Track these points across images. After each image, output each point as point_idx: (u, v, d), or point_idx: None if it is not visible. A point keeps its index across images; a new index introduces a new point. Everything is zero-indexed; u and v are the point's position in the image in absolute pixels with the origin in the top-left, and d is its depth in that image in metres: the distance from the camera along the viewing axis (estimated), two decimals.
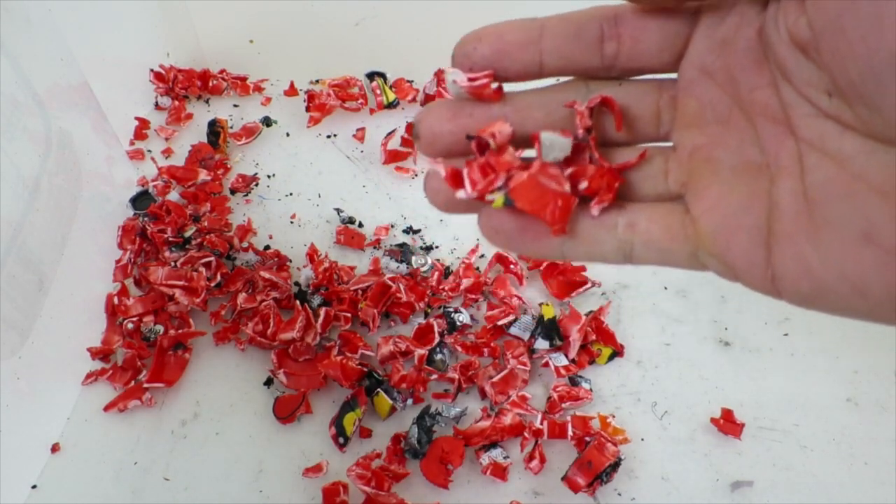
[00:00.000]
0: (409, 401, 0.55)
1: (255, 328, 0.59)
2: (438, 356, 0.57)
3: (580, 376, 0.57)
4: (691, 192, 0.25)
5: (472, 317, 0.60)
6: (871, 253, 0.20)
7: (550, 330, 0.57)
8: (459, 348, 0.58)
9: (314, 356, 0.57)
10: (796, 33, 0.21)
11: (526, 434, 0.53)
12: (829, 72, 0.20)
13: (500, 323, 0.58)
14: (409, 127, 0.74)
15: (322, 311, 0.59)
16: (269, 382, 0.57)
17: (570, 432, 0.52)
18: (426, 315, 0.61)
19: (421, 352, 0.56)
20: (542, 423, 0.53)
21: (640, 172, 0.26)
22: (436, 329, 0.58)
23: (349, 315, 0.60)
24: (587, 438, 0.52)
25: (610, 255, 0.26)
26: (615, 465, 0.50)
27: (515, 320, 0.58)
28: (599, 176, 0.25)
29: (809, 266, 0.21)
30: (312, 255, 0.64)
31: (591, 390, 0.56)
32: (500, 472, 0.51)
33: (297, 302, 0.59)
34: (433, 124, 0.26)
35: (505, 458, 0.52)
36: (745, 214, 0.23)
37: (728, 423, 0.54)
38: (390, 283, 0.60)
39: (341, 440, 0.53)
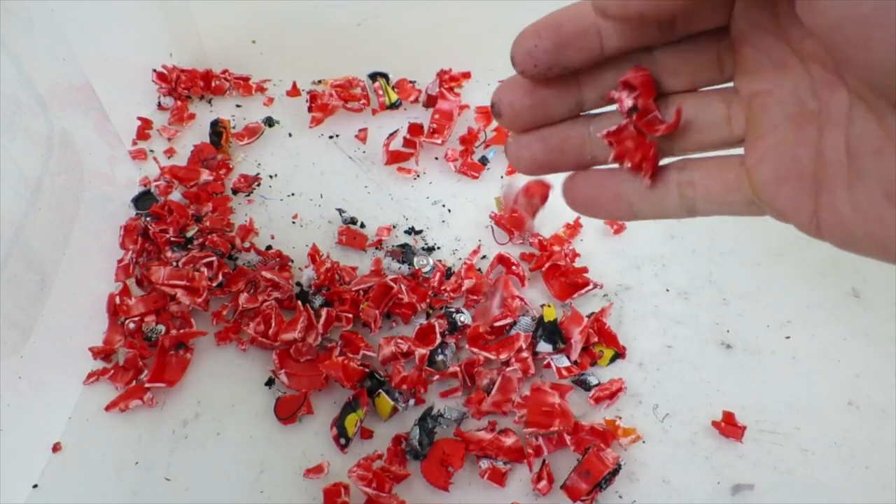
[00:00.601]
0: (412, 402, 0.55)
1: (256, 328, 0.59)
2: (440, 357, 0.57)
3: (585, 376, 0.56)
4: (748, 140, 0.26)
5: (473, 318, 0.60)
6: (892, 212, 0.21)
7: (553, 333, 0.57)
8: (465, 345, 0.57)
9: (315, 356, 0.57)
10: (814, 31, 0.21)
11: (528, 450, 0.52)
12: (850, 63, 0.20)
13: (498, 324, 0.58)
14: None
15: (324, 312, 0.59)
16: (270, 383, 0.57)
17: (568, 442, 0.52)
18: (428, 316, 0.61)
19: (422, 352, 0.56)
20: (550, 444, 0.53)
21: (704, 120, 0.27)
22: (437, 329, 0.58)
23: (350, 316, 0.59)
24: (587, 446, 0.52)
25: (674, 211, 0.28)
26: (615, 472, 0.50)
27: (515, 323, 0.58)
28: (635, 149, 0.28)
29: (843, 218, 0.23)
30: (314, 255, 0.64)
31: (622, 379, 0.56)
32: (498, 477, 0.51)
33: (299, 302, 0.59)
34: (513, 101, 0.28)
35: (504, 464, 0.52)
36: (792, 165, 0.24)
37: (729, 426, 0.54)
38: (392, 283, 0.60)
39: (343, 441, 0.53)
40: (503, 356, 0.57)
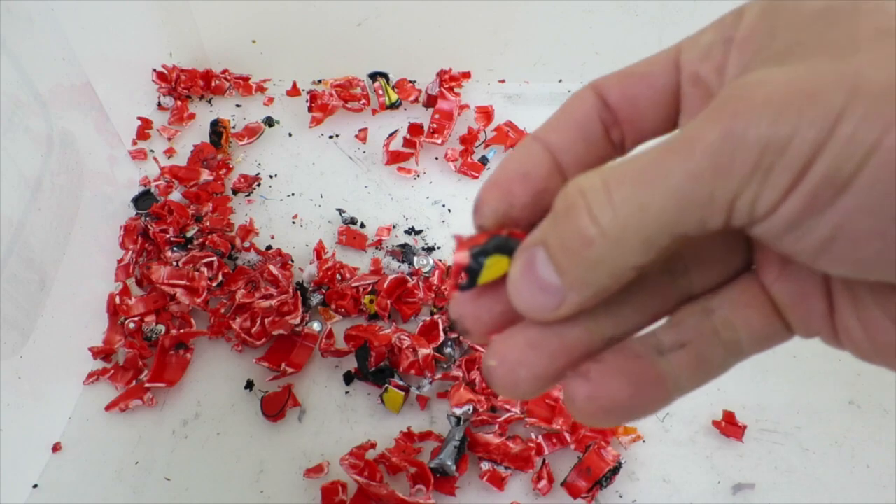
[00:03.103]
0: (428, 383, 0.56)
1: (242, 324, 0.59)
2: (447, 349, 0.57)
3: None
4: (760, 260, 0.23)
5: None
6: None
7: None
8: (467, 342, 0.58)
9: (291, 332, 0.58)
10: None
11: (529, 444, 0.52)
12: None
13: None
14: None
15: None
16: (249, 386, 0.57)
17: (569, 440, 0.52)
18: (432, 314, 0.61)
19: (425, 352, 0.56)
20: (552, 441, 0.53)
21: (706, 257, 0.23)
22: (440, 326, 0.58)
23: (345, 312, 0.60)
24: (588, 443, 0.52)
25: (720, 368, 0.23)
26: (615, 470, 0.50)
27: None
28: None
29: (855, 338, 0.21)
30: (320, 251, 0.65)
31: None
32: (497, 481, 0.51)
33: (299, 294, 0.60)
34: (477, 313, 0.23)
35: (506, 469, 0.52)
36: (807, 281, 0.22)
37: (730, 426, 0.54)
38: (409, 278, 0.61)
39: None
40: None
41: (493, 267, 0.22)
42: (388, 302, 0.60)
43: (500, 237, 0.22)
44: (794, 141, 0.16)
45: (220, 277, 0.62)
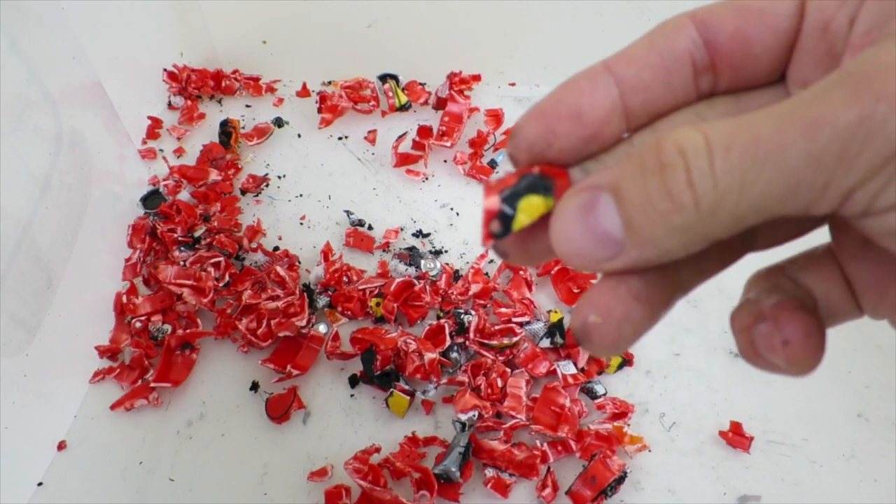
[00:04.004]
0: (433, 387, 0.55)
1: (248, 325, 0.59)
2: (453, 354, 0.57)
3: (592, 384, 0.56)
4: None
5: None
6: None
7: (555, 329, 0.57)
8: (473, 347, 0.57)
9: (297, 333, 0.58)
10: None
11: (535, 452, 0.52)
12: None
13: (515, 321, 0.58)
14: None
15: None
16: (254, 387, 0.57)
17: (574, 448, 0.52)
18: (438, 318, 0.60)
19: (431, 356, 0.56)
20: (556, 449, 0.53)
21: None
22: (447, 330, 0.58)
23: (351, 314, 0.60)
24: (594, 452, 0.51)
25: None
26: (620, 480, 0.50)
27: (529, 322, 0.58)
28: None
29: None
30: (327, 253, 0.64)
31: (632, 405, 0.55)
32: (501, 488, 0.51)
33: (305, 296, 0.60)
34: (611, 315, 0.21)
35: (511, 476, 0.51)
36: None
37: (736, 437, 0.53)
38: (416, 281, 0.61)
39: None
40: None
41: (528, 209, 0.19)
42: (395, 305, 0.60)
43: (531, 175, 0.20)
44: None
45: (226, 278, 0.62)
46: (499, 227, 0.19)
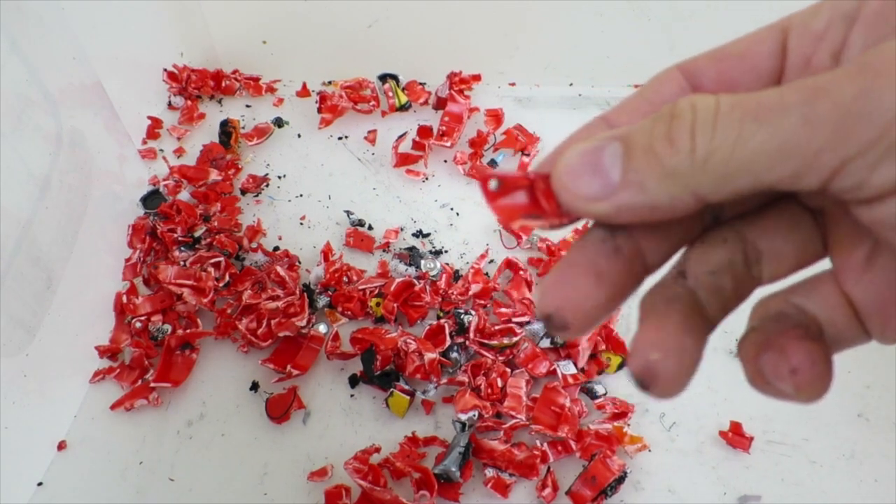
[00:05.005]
0: (433, 387, 0.55)
1: (248, 325, 0.59)
2: (453, 354, 0.57)
3: (592, 384, 0.56)
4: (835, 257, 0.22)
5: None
6: None
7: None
8: (473, 347, 0.57)
9: (297, 333, 0.58)
10: None
11: (535, 452, 0.52)
12: None
13: (515, 321, 0.58)
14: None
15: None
16: (254, 387, 0.57)
17: (574, 448, 0.52)
18: (438, 317, 0.60)
19: (431, 356, 0.56)
20: (556, 450, 0.53)
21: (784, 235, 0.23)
22: (447, 330, 0.58)
23: (351, 314, 0.60)
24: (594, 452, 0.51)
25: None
26: (620, 480, 0.50)
27: (529, 322, 0.58)
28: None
29: None
30: (327, 253, 0.64)
31: (633, 405, 0.55)
32: (501, 488, 0.51)
33: (305, 296, 0.60)
34: (579, 300, 0.22)
35: (511, 476, 0.51)
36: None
37: (736, 437, 0.53)
38: (416, 281, 0.61)
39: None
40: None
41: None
42: (395, 305, 0.60)
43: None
44: None
45: (227, 278, 0.62)
46: (494, 183, 0.21)
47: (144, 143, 0.74)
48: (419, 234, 0.67)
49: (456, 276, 0.63)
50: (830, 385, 0.21)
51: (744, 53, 0.21)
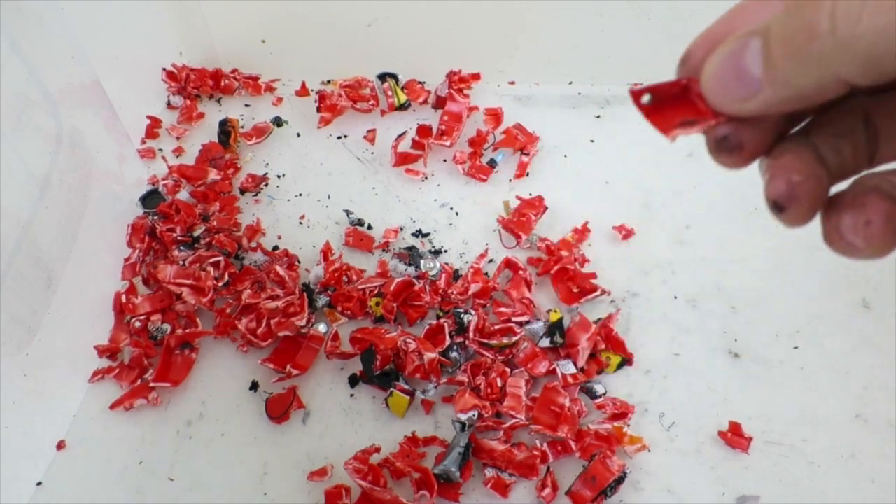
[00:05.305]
0: (433, 387, 0.55)
1: (247, 325, 0.59)
2: (453, 354, 0.57)
3: (591, 384, 0.56)
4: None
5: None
6: None
7: (554, 329, 0.57)
8: (472, 347, 0.57)
9: (297, 333, 0.58)
10: None
11: (534, 452, 0.52)
12: None
13: (515, 321, 0.58)
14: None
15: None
16: (254, 387, 0.57)
17: (574, 448, 0.52)
18: (438, 317, 0.60)
19: (431, 356, 0.56)
20: (556, 449, 0.53)
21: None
22: (447, 330, 0.58)
23: (351, 314, 0.60)
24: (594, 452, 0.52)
25: None
26: (620, 480, 0.50)
27: (529, 322, 0.58)
28: None
29: None
30: (327, 252, 0.64)
31: (633, 406, 0.55)
32: (501, 488, 0.51)
33: (305, 295, 0.60)
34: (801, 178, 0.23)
35: (510, 476, 0.51)
36: None
37: (735, 437, 0.53)
38: (416, 281, 0.61)
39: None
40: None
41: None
42: (395, 305, 0.60)
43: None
44: None
45: (226, 277, 0.62)
46: (647, 96, 0.22)
47: (143, 142, 0.74)
48: (419, 234, 0.67)
49: (455, 275, 0.63)
50: None
51: None
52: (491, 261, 0.65)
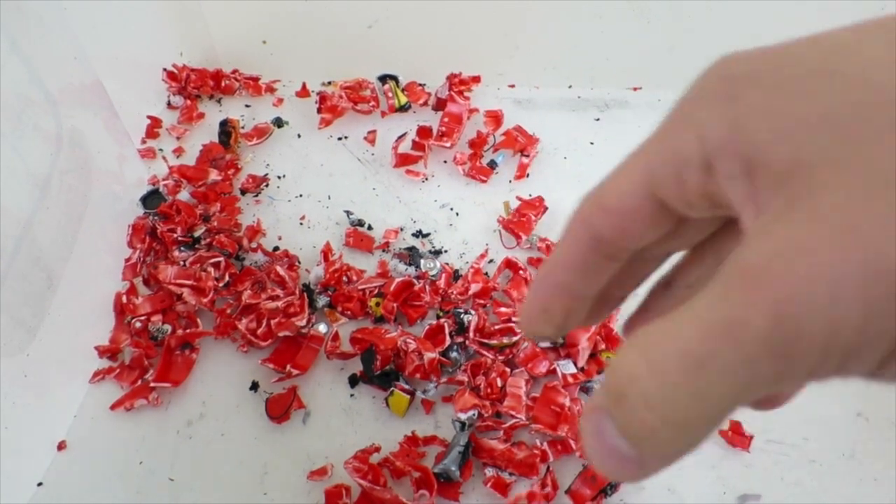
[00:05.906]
0: (433, 387, 0.55)
1: (248, 325, 0.59)
2: (453, 354, 0.57)
3: (591, 384, 0.56)
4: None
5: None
6: None
7: None
8: (472, 347, 0.57)
9: (297, 333, 0.58)
10: None
11: (534, 451, 0.52)
12: None
13: (515, 320, 0.58)
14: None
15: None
16: (254, 387, 0.57)
17: (574, 447, 0.52)
18: (438, 317, 0.60)
19: (431, 355, 0.56)
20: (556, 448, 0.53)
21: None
22: (447, 330, 0.58)
23: (351, 314, 0.60)
24: None
25: None
26: None
27: None
28: None
29: None
30: (327, 253, 0.64)
31: None
32: (501, 487, 0.51)
33: (305, 296, 0.60)
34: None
35: (511, 475, 0.51)
36: None
37: (736, 436, 0.53)
38: (416, 281, 0.61)
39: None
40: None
41: None
42: (395, 305, 0.60)
43: None
44: (869, 326, 0.14)
45: (226, 278, 0.62)
46: None
47: (144, 142, 0.74)
48: (419, 234, 0.67)
49: (455, 275, 0.63)
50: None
51: (619, 208, 0.21)
52: (491, 261, 0.65)
